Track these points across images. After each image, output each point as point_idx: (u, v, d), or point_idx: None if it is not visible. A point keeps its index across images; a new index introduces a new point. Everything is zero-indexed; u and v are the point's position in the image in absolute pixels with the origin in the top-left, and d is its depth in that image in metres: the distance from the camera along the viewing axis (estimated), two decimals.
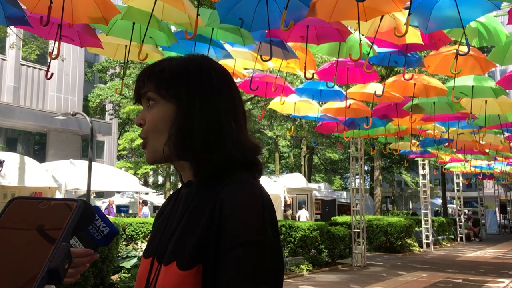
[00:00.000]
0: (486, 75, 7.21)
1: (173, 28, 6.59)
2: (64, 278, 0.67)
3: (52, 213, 0.74)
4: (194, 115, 1.00)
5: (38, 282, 0.64)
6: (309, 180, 29.21)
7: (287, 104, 8.47)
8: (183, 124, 1.00)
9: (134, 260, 7.95)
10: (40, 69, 21.69)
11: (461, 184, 23.03)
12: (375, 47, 5.59)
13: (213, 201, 0.93)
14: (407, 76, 6.38)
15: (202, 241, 0.91)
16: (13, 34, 14.84)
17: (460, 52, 5.25)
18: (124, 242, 10.32)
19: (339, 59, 6.09)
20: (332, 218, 18.21)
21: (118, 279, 7.48)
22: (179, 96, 1.01)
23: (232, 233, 0.89)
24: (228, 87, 1.06)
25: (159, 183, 41.28)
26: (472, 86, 6.98)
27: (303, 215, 20.03)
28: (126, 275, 7.65)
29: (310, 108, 8.86)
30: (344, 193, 30.21)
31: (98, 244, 1.09)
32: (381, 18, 4.83)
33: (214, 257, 0.89)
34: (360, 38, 4.88)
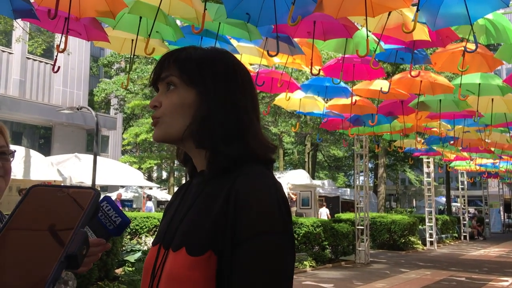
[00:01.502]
0: (493, 73, 7.18)
1: (178, 23, 6.59)
2: (81, 264, 0.68)
3: (71, 201, 0.75)
4: (217, 107, 1.01)
5: (56, 267, 0.65)
6: (313, 177, 29.19)
7: (293, 100, 8.47)
8: (206, 113, 1.01)
9: (139, 254, 7.99)
10: (46, 63, 21.75)
11: (465, 183, 22.95)
12: (382, 43, 5.57)
13: (227, 189, 0.93)
14: (413, 73, 6.35)
15: (215, 228, 0.91)
16: (19, 27, 14.88)
17: (467, 49, 5.22)
18: (128, 236, 10.36)
19: (345, 55, 6.08)
20: (336, 215, 18.21)
21: (122, 273, 7.52)
22: (204, 85, 1.02)
23: (251, 223, 0.89)
24: (250, 84, 1.08)
25: (163, 178, 41.39)
26: (479, 83, 6.95)
27: (324, 212, 20.24)
28: (130, 269, 7.69)
29: (316, 105, 8.85)
30: (348, 190, 30.18)
31: (110, 234, 1.10)
32: (389, 14, 4.81)
33: (230, 246, 0.89)
34: (367, 34, 4.86)
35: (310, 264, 11.29)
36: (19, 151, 10.48)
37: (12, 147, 1.43)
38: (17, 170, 10.07)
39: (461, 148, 12.16)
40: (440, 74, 8.11)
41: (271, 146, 1.06)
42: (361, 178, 14.62)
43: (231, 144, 0.99)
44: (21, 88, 20.79)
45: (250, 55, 6.54)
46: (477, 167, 18.69)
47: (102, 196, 1.11)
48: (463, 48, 5.55)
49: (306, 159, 32.43)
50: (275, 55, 5.19)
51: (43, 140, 22.75)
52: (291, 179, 21.34)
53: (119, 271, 7.59)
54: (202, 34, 5.26)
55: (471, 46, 5.31)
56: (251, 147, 1.00)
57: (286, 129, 26.31)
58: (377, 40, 5.33)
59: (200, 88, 1.02)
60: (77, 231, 0.69)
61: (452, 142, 11.05)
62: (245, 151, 0.99)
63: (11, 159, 1.40)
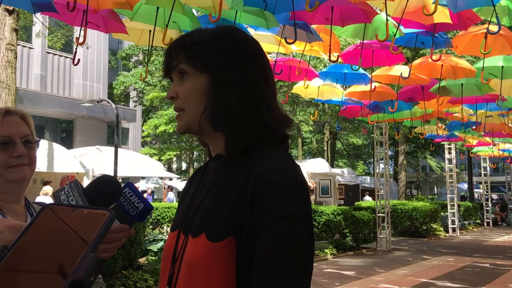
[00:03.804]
0: None
1: (195, 12, 6.58)
2: None
3: (84, 222, 0.71)
4: (230, 86, 0.99)
5: None
6: (332, 166, 29.06)
7: (311, 88, 8.41)
8: (219, 95, 1.00)
9: (161, 243, 8.09)
10: (66, 57, 22.02)
11: (488, 168, 22.57)
12: (401, 27, 5.48)
13: (246, 173, 0.93)
14: (434, 57, 6.24)
15: (234, 213, 0.91)
16: (39, 23, 15.07)
17: (490, 31, 5.10)
18: (150, 226, 10.51)
19: (364, 41, 5.99)
20: (356, 203, 18.13)
21: (146, 262, 7.63)
22: (213, 67, 1.01)
23: (270, 207, 0.89)
24: (260, 59, 1.06)
25: (182, 169, 41.74)
26: (502, 66, 6.79)
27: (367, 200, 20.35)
28: (153, 258, 7.80)
29: (334, 92, 8.78)
30: (368, 178, 29.99)
31: (133, 220, 1.11)
32: None
33: (249, 231, 0.89)
34: (386, 19, 4.78)
35: (331, 252, 11.29)
36: (42, 144, 10.68)
37: None
38: (41, 163, 10.26)
39: (483, 133, 11.94)
40: (462, 58, 7.96)
41: (288, 120, 1.04)
42: (381, 165, 14.50)
43: (248, 122, 0.98)
44: (42, 82, 21.11)
45: (267, 43, 6.50)
46: (500, 152, 18.34)
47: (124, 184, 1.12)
48: (485, 30, 5.42)
49: (325, 148, 32.28)
50: (293, 42, 5.15)
51: (65, 133, 23.12)
52: (310, 168, 21.28)
53: (142, 260, 7.70)
54: (219, 23, 5.25)
55: (493, 28, 5.18)
56: (268, 123, 0.99)
57: (305, 118, 26.20)
58: (397, 24, 5.24)
59: (210, 71, 1.01)
60: (86, 255, 0.64)
61: (474, 127, 10.84)
62: (263, 128, 0.98)
63: (36, 148, 1.43)
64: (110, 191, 1.02)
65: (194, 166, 33.79)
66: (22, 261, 0.67)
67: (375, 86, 7.81)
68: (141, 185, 23.59)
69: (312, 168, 21.61)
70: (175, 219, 1.07)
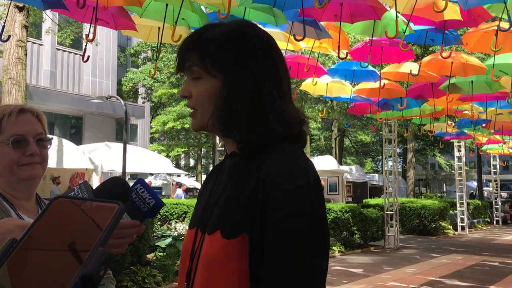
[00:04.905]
0: None
1: (204, 9, 6.58)
2: (98, 285, 0.62)
3: (93, 215, 0.70)
4: (237, 90, 0.99)
5: None
6: (340, 163, 28.97)
7: (319, 85, 8.39)
8: (226, 99, 1.00)
9: (169, 240, 8.13)
10: (75, 54, 22.14)
11: (498, 166, 22.40)
12: (411, 24, 5.44)
13: (258, 171, 0.94)
14: (444, 54, 6.20)
15: (247, 210, 0.92)
16: (49, 19, 15.15)
17: (501, 28, 5.05)
18: (158, 222, 10.55)
19: (374, 38, 5.96)
20: (364, 201, 18.07)
21: (154, 258, 7.68)
22: (225, 70, 1.01)
23: (277, 207, 0.89)
24: (272, 55, 1.05)
25: (190, 165, 41.84)
26: None
27: None
28: (161, 254, 7.84)
29: (343, 89, 8.75)
30: (376, 175, 29.88)
31: (144, 216, 1.12)
32: None
33: (260, 228, 0.90)
34: (396, 15, 4.75)
35: (339, 249, 11.28)
36: (52, 140, 10.72)
37: None
38: (50, 159, 10.22)
39: (493, 131, 11.84)
40: (472, 55, 7.90)
41: (300, 119, 1.03)
42: (390, 163, 14.44)
43: (255, 126, 0.98)
44: (52, 79, 21.25)
45: (276, 40, 6.47)
46: (510, 150, 18.21)
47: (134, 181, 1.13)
48: (496, 27, 5.38)
49: (333, 145, 32.19)
50: (302, 39, 5.13)
51: (74, 129, 23.26)
52: (318, 165, 21.20)
53: (150, 256, 7.75)
54: (228, 20, 5.25)
55: (504, 25, 5.14)
56: (276, 125, 0.98)
57: (313, 115, 26.13)
58: (407, 21, 5.21)
59: (222, 74, 1.01)
60: (95, 249, 0.63)
61: (484, 125, 10.76)
62: (271, 131, 0.98)
63: (48, 146, 1.44)
64: (120, 191, 1.03)
65: (202, 163, 33.90)
66: (34, 251, 0.66)
67: (384, 83, 7.77)
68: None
69: (320, 165, 21.55)
70: (193, 216, 1.09)
